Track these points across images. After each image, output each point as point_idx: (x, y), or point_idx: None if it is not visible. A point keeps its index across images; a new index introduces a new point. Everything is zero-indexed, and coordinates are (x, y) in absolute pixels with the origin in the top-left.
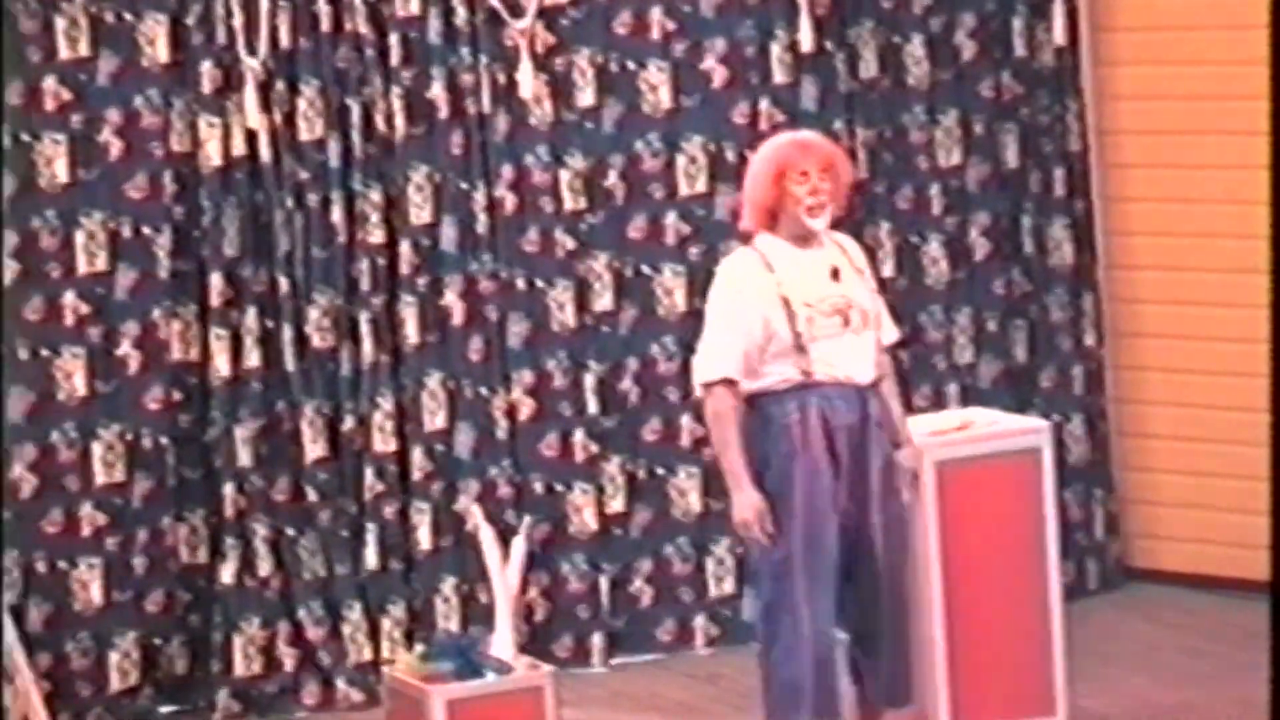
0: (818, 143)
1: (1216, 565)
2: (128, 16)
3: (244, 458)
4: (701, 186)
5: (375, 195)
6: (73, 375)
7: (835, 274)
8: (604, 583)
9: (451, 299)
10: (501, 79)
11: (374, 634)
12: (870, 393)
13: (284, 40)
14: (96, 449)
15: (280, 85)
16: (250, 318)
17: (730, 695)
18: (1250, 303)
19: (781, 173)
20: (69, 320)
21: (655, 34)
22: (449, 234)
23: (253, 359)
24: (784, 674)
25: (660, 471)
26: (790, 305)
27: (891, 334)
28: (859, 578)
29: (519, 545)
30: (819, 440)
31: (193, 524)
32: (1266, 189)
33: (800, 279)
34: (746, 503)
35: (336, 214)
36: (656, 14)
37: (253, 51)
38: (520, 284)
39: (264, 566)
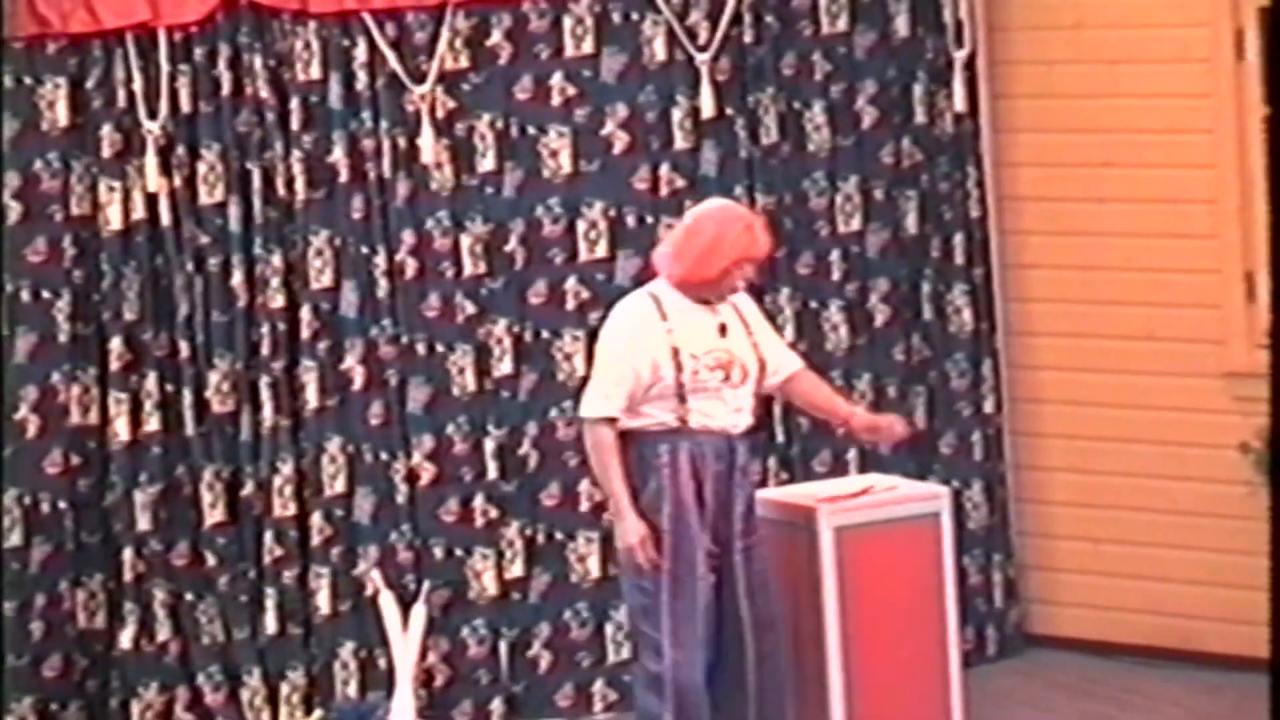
0: (767, 234)
1: (1115, 631)
2: (27, 80)
3: (143, 522)
4: (602, 252)
5: (276, 259)
6: None
7: (723, 330)
8: (504, 647)
9: (352, 363)
10: (402, 144)
11: (273, 699)
12: (739, 441)
13: (184, 104)
14: None
15: (180, 149)
16: (150, 382)
17: None
18: (1148, 369)
19: (741, 261)
20: None
21: (556, 99)
22: (349, 298)
23: (152, 423)
24: (643, 705)
25: (560, 536)
26: (679, 355)
27: (794, 364)
28: (726, 621)
29: (419, 610)
30: (688, 484)
31: (91, 589)
32: (1163, 256)
33: (691, 332)
34: (631, 529)
35: (237, 278)
36: (557, 79)
37: (153, 115)
38: (420, 349)
39: (162, 631)
